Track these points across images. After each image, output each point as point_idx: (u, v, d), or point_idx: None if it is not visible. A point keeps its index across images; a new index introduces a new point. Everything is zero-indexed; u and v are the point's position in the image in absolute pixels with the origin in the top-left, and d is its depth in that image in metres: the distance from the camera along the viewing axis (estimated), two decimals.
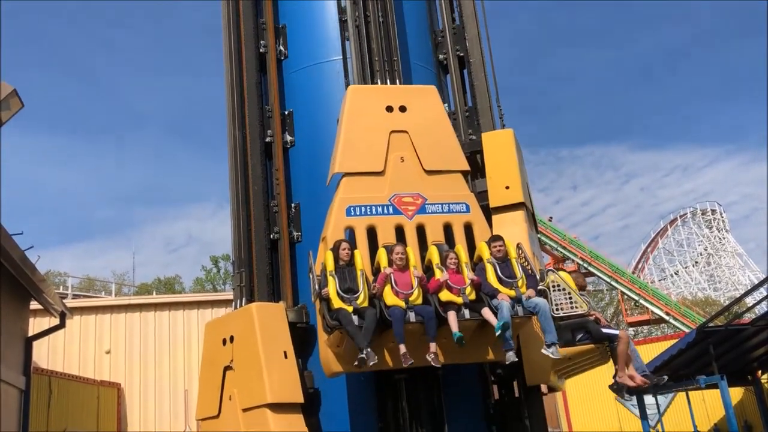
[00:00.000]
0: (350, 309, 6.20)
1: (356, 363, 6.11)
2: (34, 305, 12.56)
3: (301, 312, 7.78)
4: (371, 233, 6.96)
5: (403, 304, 6.29)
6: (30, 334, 12.37)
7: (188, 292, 50.07)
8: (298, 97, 8.91)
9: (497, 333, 6.27)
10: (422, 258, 6.88)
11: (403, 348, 6.12)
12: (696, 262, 70.47)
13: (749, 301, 36.23)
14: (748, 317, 19.10)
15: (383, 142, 7.39)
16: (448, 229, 7.15)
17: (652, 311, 40.71)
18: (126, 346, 21.86)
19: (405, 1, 9.41)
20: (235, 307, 7.81)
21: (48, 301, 12.27)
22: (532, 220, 8.58)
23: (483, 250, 6.88)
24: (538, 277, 6.99)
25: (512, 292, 6.58)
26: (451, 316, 6.31)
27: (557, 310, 6.94)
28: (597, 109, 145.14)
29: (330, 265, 6.47)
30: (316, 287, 6.48)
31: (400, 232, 6.99)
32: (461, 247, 6.86)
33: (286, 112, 8.86)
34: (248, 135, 8.28)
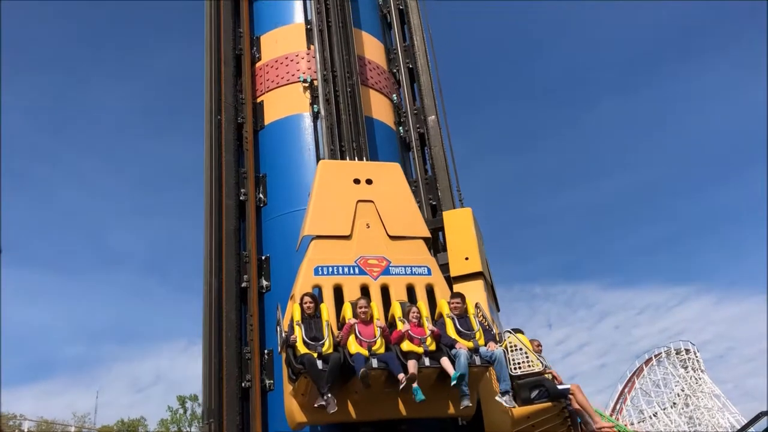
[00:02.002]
0: (315, 355, 6.44)
1: (315, 405, 6.35)
2: None
3: None
4: (338, 292, 7.32)
5: (366, 352, 6.58)
6: None
7: None
8: (276, 242, 9.11)
9: (453, 383, 6.58)
10: (386, 316, 7.19)
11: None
12: (674, 404, 69.22)
13: None
14: None
15: (350, 209, 7.96)
16: (411, 290, 7.57)
17: None
18: None
19: (380, 153, 9.92)
20: None
21: None
22: (492, 292, 9.00)
23: (443, 306, 7.37)
24: (496, 338, 7.39)
25: (470, 344, 6.99)
26: (411, 364, 6.60)
27: (515, 369, 7.37)
28: (568, 249, 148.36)
29: (297, 316, 6.76)
30: (283, 336, 6.72)
31: (365, 292, 7.34)
32: (423, 303, 7.30)
33: (263, 257, 8.99)
34: (224, 281, 8.36)
